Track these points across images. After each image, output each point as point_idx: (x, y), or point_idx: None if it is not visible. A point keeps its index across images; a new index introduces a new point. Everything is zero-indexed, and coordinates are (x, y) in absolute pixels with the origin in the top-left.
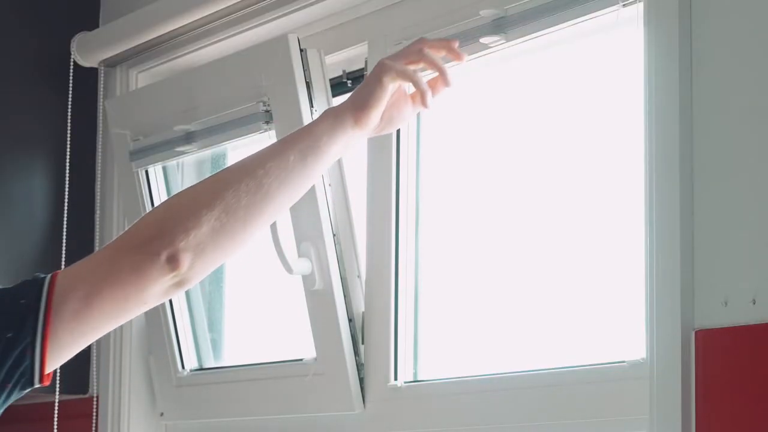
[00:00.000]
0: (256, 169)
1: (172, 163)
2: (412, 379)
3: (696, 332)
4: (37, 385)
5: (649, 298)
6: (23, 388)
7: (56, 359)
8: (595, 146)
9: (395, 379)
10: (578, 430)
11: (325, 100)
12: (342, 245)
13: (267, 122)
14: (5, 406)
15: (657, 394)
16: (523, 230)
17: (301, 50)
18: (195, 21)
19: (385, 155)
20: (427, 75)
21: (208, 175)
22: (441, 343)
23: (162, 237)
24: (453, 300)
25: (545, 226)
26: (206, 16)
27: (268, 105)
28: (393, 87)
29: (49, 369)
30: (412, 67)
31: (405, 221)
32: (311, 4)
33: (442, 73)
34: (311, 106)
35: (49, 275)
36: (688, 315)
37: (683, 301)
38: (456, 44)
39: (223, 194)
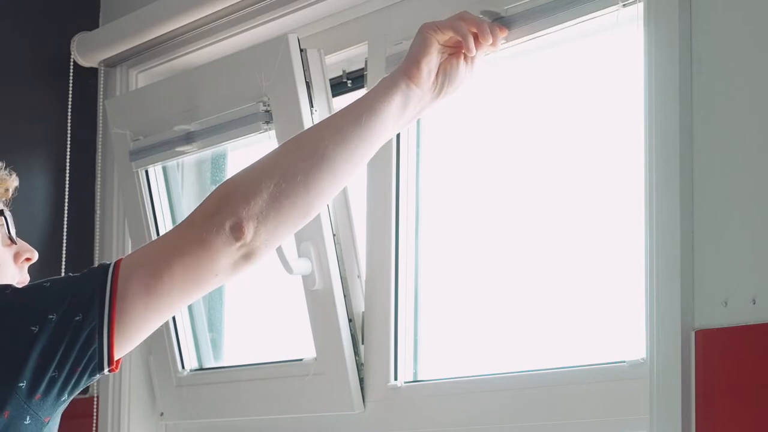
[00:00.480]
0: (312, 135)
1: (172, 163)
2: (412, 379)
3: (696, 332)
4: (106, 371)
5: (649, 298)
6: (92, 373)
7: (127, 341)
8: (595, 146)
9: (395, 379)
10: (578, 430)
11: (325, 100)
12: (342, 245)
13: (267, 122)
14: (75, 393)
15: (657, 394)
16: (523, 230)
17: (301, 50)
18: (195, 21)
19: (385, 155)
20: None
21: (208, 175)
22: (441, 343)
23: (225, 208)
24: (453, 300)
25: (545, 225)
26: (206, 16)
27: (268, 105)
28: (436, 38)
29: (119, 353)
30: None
31: (405, 221)
32: (311, 4)
33: (464, 42)
34: (311, 106)
35: (114, 261)
36: (688, 315)
37: (683, 301)
38: (490, 31)
39: (281, 161)
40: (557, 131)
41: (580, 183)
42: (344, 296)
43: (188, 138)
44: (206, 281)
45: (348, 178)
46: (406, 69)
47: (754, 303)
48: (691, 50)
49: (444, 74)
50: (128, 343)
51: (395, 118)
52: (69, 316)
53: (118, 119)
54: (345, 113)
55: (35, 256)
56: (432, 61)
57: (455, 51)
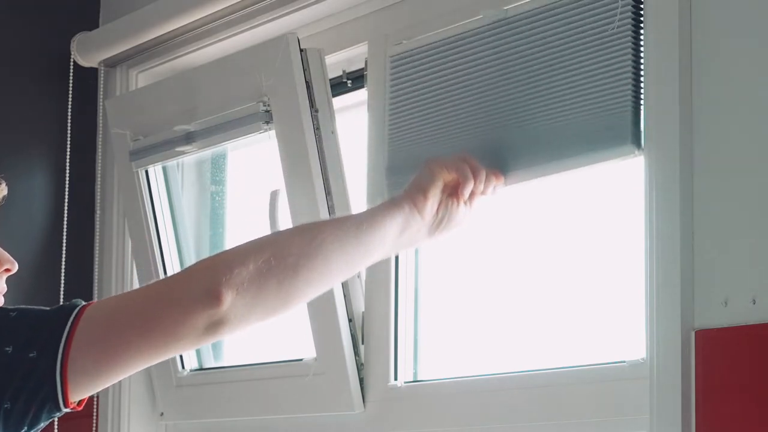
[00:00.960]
0: (313, 226)
1: (172, 163)
2: (412, 379)
3: (696, 332)
4: (65, 410)
5: (649, 298)
6: (51, 412)
7: (83, 387)
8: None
9: (395, 379)
10: (578, 430)
11: (325, 100)
12: None
13: (267, 122)
14: (38, 427)
15: (657, 394)
16: (524, 230)
17: (301, 50)
18: (195, 21)
19: None
20: None
21: (208, 175)
22: (441, 343)
23: (207, 272)
24: (453, 300)
25: (545, 225)
26: (206, 16)
27: (268, 105)
28: (443, 175)
29: (75, 395)
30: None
31: None
32: (311, 4)
33: (462, 186)
34: (311, 106)
35: (82, 303)
36: (688, 315)
37: (683, 301)
38: (491, 182)
39: (276, 240)
40: None
41: (580, 183)
42: (344, 296)
43: (188, 138)
44: (168, 345)
45: (336, 277)
46: (412, 196)
47: (754, 303)
48: (691, 50)
49: (445, 211)
50: (83, 389)
51: (394, 236)
52: (24, 351)
53: (118, 119)
54: (348, 217)
55: (15, 267)
56: (437, 194)
57: (455, 191)
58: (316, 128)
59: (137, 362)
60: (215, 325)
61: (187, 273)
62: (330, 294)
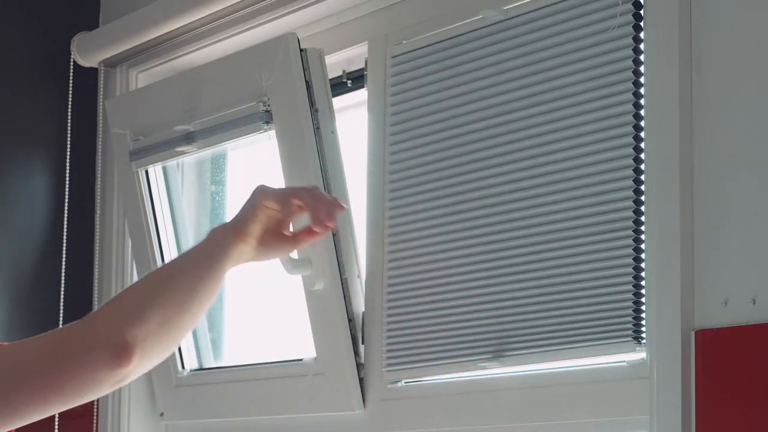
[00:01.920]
0: (182, 272)
1: (172, 163)
2: (411, 379)
3: (696, 332)
4: None
5: (649, 298)
6: None
7: None
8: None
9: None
10: (578, 430)
11: (325, 100)
12: (342, 245)
13: (267, 122)
14: None
15: (657, 394)
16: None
17: (301, 50)
18: (195, 21)
19: (382, 156)
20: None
21: (208, 175)
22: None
23: (111, 334)
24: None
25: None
26: (206, 16)
27: (268, 105)
28: (265, 205)
29: None
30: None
31: None
32: (311, 4)
33: (283, 221)
34: (311, 106)
35: None
36: (688, 315)
37: (683, 301)
38: (331, 214)
39: (165, 288)
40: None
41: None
42: (344, 296)
43: (188, 138)
44: (69, 402)
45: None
46: (235, 225)
47: (754, 303)
48: (691, 50)
49: (267, 242)
50: None
51: (233, 264)
52: None
53: (118, 119)
54: (195, 256)
55: None
56: (258, 222)
57: (281, 225)
58: (316, 128)
59: (33, 416)
60: (120, 381)
61: (90, 330)
62: (330, 294)
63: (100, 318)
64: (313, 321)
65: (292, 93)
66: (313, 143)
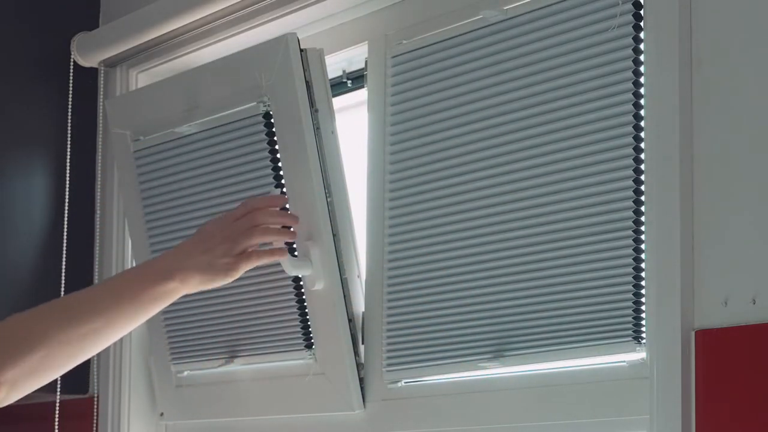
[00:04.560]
0: (80, 313)
1: None
2: (412, 379)
3: (696, 332)
4: None
5: (649, 298)
6: None
7: None
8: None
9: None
10: (578, 430)
11: (325, 100)
12: (342, 245)
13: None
14: None
15: (657, 394)
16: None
17: (301, 50)
18: (195, 21)
19: (382, 157)
20: None
21: None
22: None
23: None
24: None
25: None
26: (206, 16)
27: (268, 105)
28: (213, 244)
29: None
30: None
31: None
32: (311, 4)
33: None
34: (311, 106)
35: None
36: (688, 315)
37: (683, 301)
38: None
39: (47, 330)
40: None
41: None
42: (344, 296)
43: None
44: None
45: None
46: (181, 272)
47: (754, 303)
48: (691, 50)
49: (209, 267)
50: None
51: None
52: None
53: (118, 119)
54: (118, 298)
55: None
56: (205, 267)
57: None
58: (316, 128)
59: None
60: None
61: None
62: (330, 294)
63: None
64: (313, 321)
65: (292, 93)
66: (313, 143)
